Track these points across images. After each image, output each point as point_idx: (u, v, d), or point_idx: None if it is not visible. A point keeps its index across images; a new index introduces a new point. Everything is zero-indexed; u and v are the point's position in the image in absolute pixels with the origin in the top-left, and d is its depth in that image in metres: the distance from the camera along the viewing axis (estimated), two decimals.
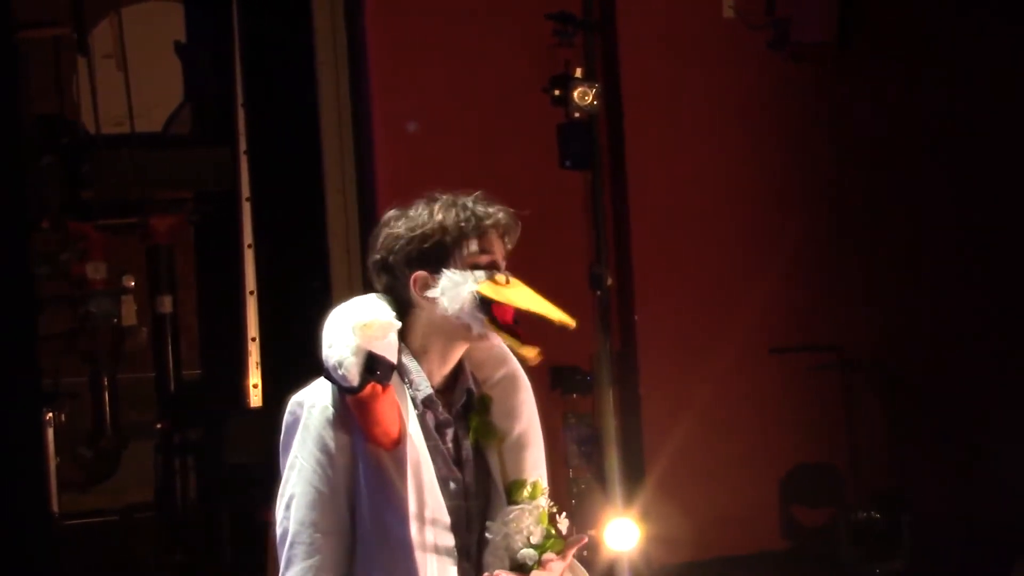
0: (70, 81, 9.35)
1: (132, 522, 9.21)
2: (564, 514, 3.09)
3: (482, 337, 2.98)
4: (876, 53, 7.41)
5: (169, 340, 9.61)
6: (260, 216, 8.41)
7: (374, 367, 2.91)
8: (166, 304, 9.62)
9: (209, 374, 9.56)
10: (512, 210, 3.09)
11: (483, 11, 7.24)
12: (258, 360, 8.42)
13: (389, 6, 7.14)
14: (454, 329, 2.99)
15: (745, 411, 7.35)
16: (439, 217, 3.00)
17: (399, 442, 2.94)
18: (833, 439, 7.48)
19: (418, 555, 2.93)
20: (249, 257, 8.49)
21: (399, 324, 2.96)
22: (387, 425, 2.92)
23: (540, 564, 2.99)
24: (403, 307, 3.03)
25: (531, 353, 2.99)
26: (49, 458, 8.68)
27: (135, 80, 9.31)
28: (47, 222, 9.09)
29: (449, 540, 2.99)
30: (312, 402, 2.98)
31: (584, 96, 7.02)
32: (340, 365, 2.89)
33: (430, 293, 2.99)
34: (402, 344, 3.01)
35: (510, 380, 3.12)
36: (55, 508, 8.71)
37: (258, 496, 8.07)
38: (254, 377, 8.43)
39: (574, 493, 7.11)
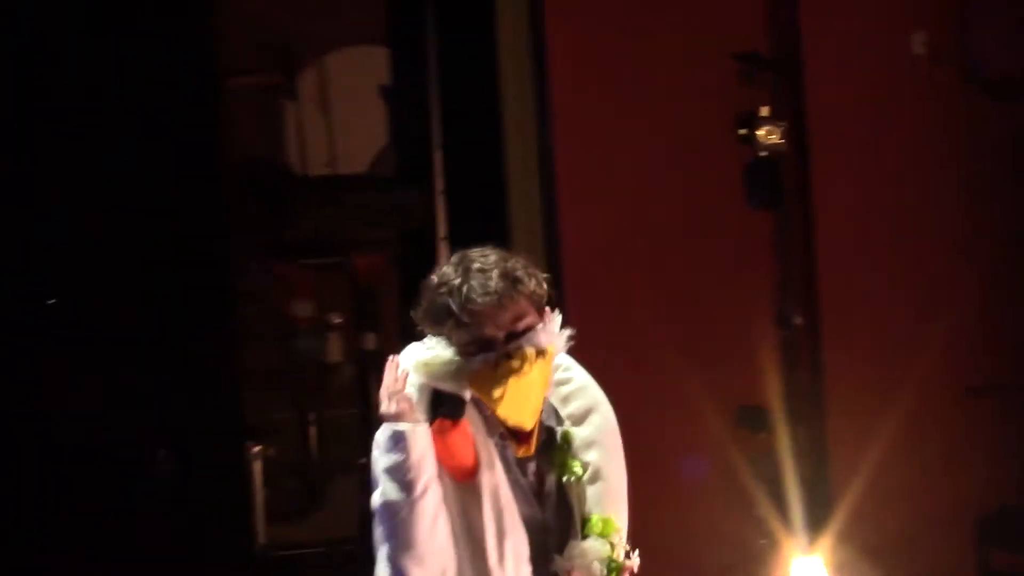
0: (278, 125, 9.62)
1: (337, 554, 9.39)
2: (636, 552, 3.11)
3: None
4: None
5: (373, 377, 9.81)
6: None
7: (439, 403, 2.98)
8: (371, 341, 9.82)
9: None
10: (512, 281, 3.05)
11: (669, 50, 7.25)
12: None
13: (574, 48, 7.21)
14: None
15: (939, 452, 7.22)
16: (434, 306, 3.04)
17: (475, 474, 2.98)
18: None
19: None
20: None
21: (460, 360, 3.01)
22: (461, 458, 2.99)
23: None
24: None
25: (518, 451, 3.03)
26: (256, 490, 8.92)
27: (342, 122, 9.56)
28: (254, 262, 9.36)
29: (527, 571, 3.03)
30: None
31: (770, 135, 7.01)
32: None
33: None
34: None
35: (591, 415, 3.15)
36: (262, 539, 8.94)
37: None
38: None
39: (763, 534, 7.06)
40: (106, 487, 7.77)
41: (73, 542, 7.61)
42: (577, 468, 3.11)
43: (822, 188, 7.22)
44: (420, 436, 2.94)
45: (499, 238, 7.53)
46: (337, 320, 10.23)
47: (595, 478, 3.12)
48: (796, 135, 7.16)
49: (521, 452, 3.02)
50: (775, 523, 6.96)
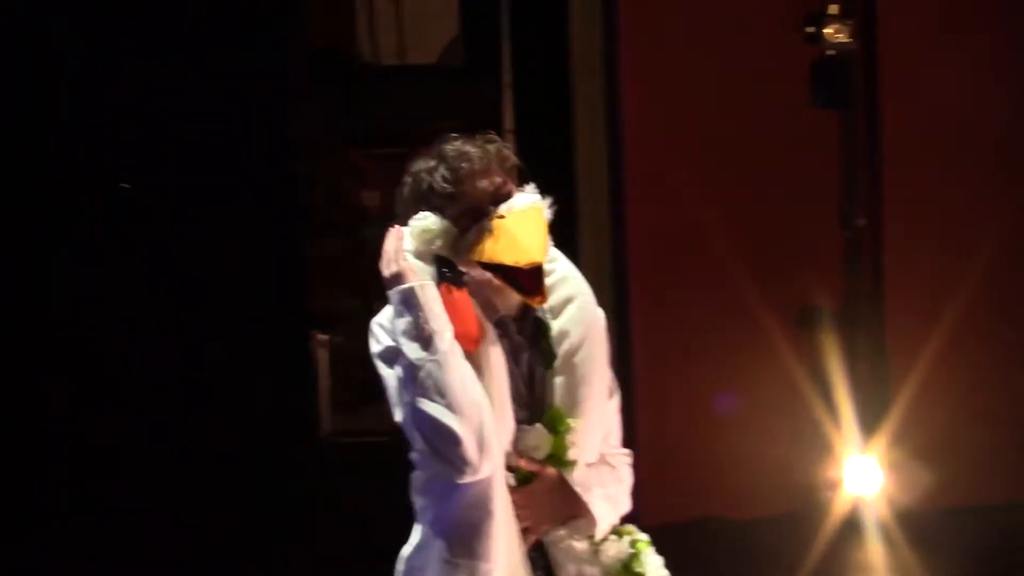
0: (349, 14, 9.61)
1: (399, 443, 9.47)
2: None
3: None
4: None
5: None
6: (522, 149, 8.56)
7: (442, 267, 3.00)
8: None
9: None
10: (486, 139, 3.13)
11: None
12: None
13: None
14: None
15: (996, 355, 7.17)
16: (417, 189, 3.10)
17: (479, 342, 2.99)
18: None
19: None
20: None
21: (453, 229, 3.01)
22: (467, 325, 2.98)
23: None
24: None
25: (534, 300, 3.03)
26: (321, 378, 9.02)
27: (414, 12, 9.55)
28: (325, 151, 9.40)
29: (507, 438, 3.05)
30: (380, 322, 3.11)
31: (838, 33, 6.95)
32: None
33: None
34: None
35: (568, 306, 3.14)
36: (327, 427, 9.05)
37: None
38: None
39: (819, 433, 7.10)
40: (172, 373, 7.89)
41: (141, 431, 7.75)
42: (552, 359, 3.11)
43: (890, 88, 7.14)
44: (428, 290, 2.96)
45: (562, 133, 7.58)
46: None
47: (563, 370, 3.10)
48: (865, 34, 7.07)
49: (537, 301, 3.02)
50: (831, 423, 6.99)
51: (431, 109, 9.35)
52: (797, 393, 7.03)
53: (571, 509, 3.09)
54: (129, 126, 7.96)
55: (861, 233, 7.15)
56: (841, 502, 6.96)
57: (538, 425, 3.06)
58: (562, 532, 3.09)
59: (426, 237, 3.00)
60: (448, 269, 3.01)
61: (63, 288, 7.84)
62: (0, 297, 7.75)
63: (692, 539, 6.86)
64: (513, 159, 3.11)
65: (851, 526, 6.92)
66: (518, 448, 3.04)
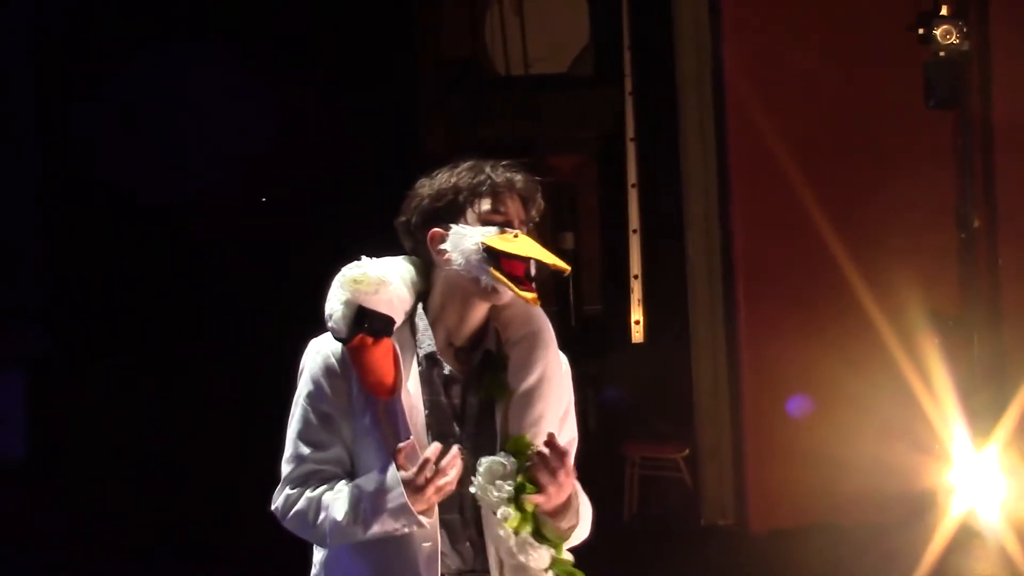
0: (480, 26, 9.72)
1: None
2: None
3: (490, 291, 3.03)
4: None
5: (570, 276, 9.90)
6: (643, 156, 8.58)
7: (363, 320, 3.01)
8: (568, 241, 9.91)
9: (608, 309, 9.76)
10: (536, 179, 3.11)
11: None
12: (640, 297, 8.59)
13: None
14: (466, 285, 3.05)
15: None
16: (455, 179, 3.07)
17: (394, 392, 3.03)
18: None
19: None
20: (633, 196, 8.66)
21: (391, 281, 3.03)
22: (380, 375, 2.98)
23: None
24: (427, 269, 3.12)
25: (529, 296, 3.03)
26: None
27: (549, 22, 9.63)
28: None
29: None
30: (317, 348, 3.11)
31: (947, 35, 6.87)
32: (330, 317, 3.03)
33: (442, 247, 3.07)
34: (420, 303, 3.11)
35: (531, 339, 3.12)
36: None
37: (621, 429, 8.29)
38: (636, 313, 8.59)
39: (938, 436, 7.01)
40: None
41: None
42: (503, 389, 3.09)
43: (1003, 89, 7.04)
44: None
45: (675, 141, 7.58)
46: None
47: (522, 399, 3.08)
48: (978, 34, 6.98)
49: (532, 299, 3.01)
50: (947, 428, 6.89)
51: (560, 118, 9.42)
52: (912, 398, 6.95)
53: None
54: (255, 139, 8.16)
55: (976, 234, 7.05)
56: (957, 508, 6.85)
57: (501, 454, 3.05)
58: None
59: (358, 287, 3.03)
60: (369, 321, 3.03)
61: None
62: None
63: (801, 546, 6.82)
64: (536, 217, 3.15)
65: (967, 533, 6.80)
66: (484, 481, 3.04)
